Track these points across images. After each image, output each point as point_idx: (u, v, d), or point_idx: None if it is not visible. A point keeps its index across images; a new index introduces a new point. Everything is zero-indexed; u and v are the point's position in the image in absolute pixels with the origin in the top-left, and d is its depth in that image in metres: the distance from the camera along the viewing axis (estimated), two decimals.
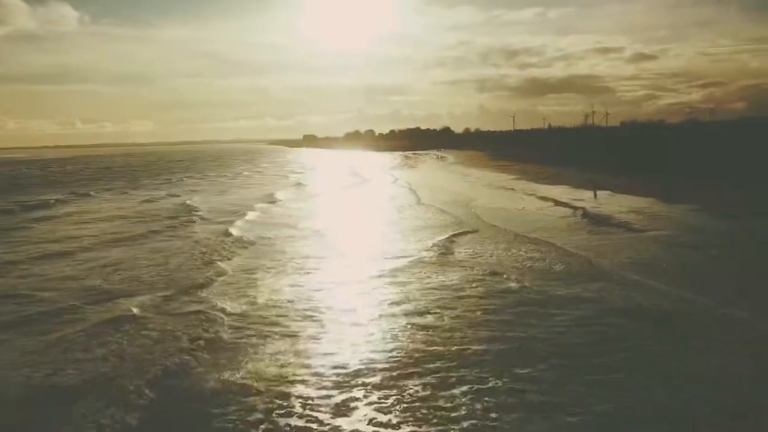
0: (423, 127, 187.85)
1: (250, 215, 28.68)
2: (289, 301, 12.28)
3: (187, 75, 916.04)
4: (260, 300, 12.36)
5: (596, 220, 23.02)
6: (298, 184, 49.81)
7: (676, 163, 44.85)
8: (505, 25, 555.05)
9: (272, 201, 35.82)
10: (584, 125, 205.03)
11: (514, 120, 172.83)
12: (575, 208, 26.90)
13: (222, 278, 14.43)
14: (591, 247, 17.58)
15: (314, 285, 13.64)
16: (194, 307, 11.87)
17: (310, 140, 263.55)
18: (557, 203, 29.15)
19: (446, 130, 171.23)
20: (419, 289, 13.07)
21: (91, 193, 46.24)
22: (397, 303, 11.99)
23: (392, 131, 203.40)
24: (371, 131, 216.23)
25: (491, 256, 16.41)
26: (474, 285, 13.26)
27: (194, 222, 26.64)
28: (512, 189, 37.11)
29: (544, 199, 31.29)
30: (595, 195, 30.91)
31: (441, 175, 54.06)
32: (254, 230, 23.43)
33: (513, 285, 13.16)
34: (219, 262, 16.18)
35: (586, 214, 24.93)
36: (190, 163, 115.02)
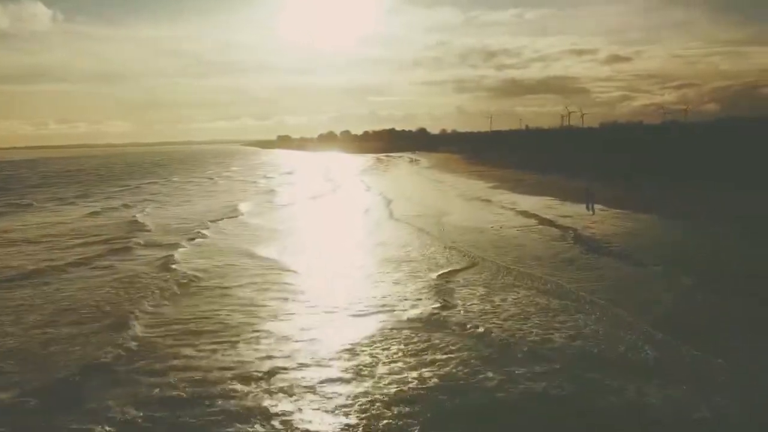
0: (402, 128, 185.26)
1: (204, 236, 25.33)
2: (212, 414, 8.38)
3: (164, 75, 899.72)
4: (175, 402, 8.78)
5: (592, 247, 20.11)
6: (266, 192, 46.46)
7: (667, 166, 42.74)
8: (484, 26, 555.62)
9: (233, 215, 32.48)
10: (561, 126, 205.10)
11: (491, 121, 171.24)
12: (564, 228, 24.06)
13: (133, 350, 11.00)
14: (594, 290, 14.62)
15: (253, 367, 10.14)
16: (78, 419, 8.26)
17: (285, 141, 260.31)
18: (542, 221, 26.32)
19: (422, 131, 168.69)
20: (380, 395, 8.84)
21: (34, 203, 42.26)
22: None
23: (366, 132, 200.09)
24: (347, 132, 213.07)
25: (468, 313, 13.12)
26: (459, 384, 9.18)
27: (134, 247, 23.14)
28: (488, 200, 34.31)
29: (525, 214, 28.48)
30: (592, 209, 28.09)
31: (413, 182, 51.11)
32: (202, 259, 20.16)
33: (488, 381, 9.55)
34: (135, 322, 12.68)
35: (578, 237, 22.07)
36: (157, 166, 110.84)
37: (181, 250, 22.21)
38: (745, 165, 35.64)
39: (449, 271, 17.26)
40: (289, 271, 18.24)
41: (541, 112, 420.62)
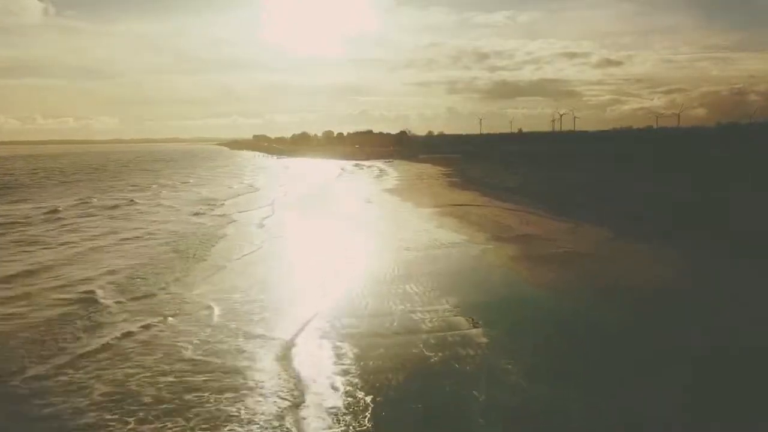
0: (389, 129, 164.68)
1: None
2: None
3: (152, 71, 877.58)
4: None
5: None
6: (164, 244, 26.11)
7: None
8: (476, 28, 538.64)
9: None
10: (552, 130, 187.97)
11: (481, 123, 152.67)
12: None
13: None
14: None
15: None
16: None
17: (259, 141, 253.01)
18: None
19: (402, 135, 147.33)
20: None
21: None
22: None
23: (341, 134, 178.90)
24: (330, 131, 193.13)
25: None
26: None
27: None
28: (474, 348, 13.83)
29: None
30: None
31: (360, 231, 30.42)
32: None
33: None
34: None
35: None
36: (103, 171, 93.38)
37: None
38: None
39: None
40: None
41: (531, 115, 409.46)
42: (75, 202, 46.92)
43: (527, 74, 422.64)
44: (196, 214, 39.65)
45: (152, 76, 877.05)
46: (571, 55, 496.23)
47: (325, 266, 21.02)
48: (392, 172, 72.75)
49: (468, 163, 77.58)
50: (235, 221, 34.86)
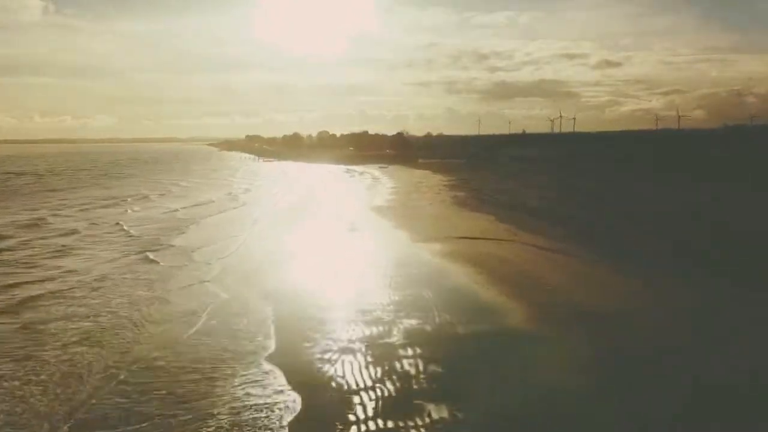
0: (381, 131, 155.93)
1: None
2: None
3: (151, 70, 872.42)
4: None
5: None
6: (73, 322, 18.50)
7: None
8: (476, 28, 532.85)
9: None
10: (551, 131, 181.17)
11: (479, 123, 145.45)
12: None
13: None
14: None
15: None
16: None
17: (251, 141, 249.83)
18: None
19: (399, 136, 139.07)
20: None
21: None
22: None
23: (333, 135, 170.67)
24: (325, 131, 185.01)
25: None
26: None
27: None
28: None
29: None
30: None
31: (334, 279, 22.71)
32: None
33: None
34: None
35: None
36: (80, 178, 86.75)
37: None
38: None
39: None
40: None
41: (530, 115, 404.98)
42: (27, 223, 40.09)
43: (526, 75, 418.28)
44: (152, 249, 32.09)
45: (151, 75, 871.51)
46: (570, 56, 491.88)
47: (263, 386, 13.18)
48: (386, 182, 64.80)
49: (473, 171, 70.00)
50: (191, 263, 27.26)
